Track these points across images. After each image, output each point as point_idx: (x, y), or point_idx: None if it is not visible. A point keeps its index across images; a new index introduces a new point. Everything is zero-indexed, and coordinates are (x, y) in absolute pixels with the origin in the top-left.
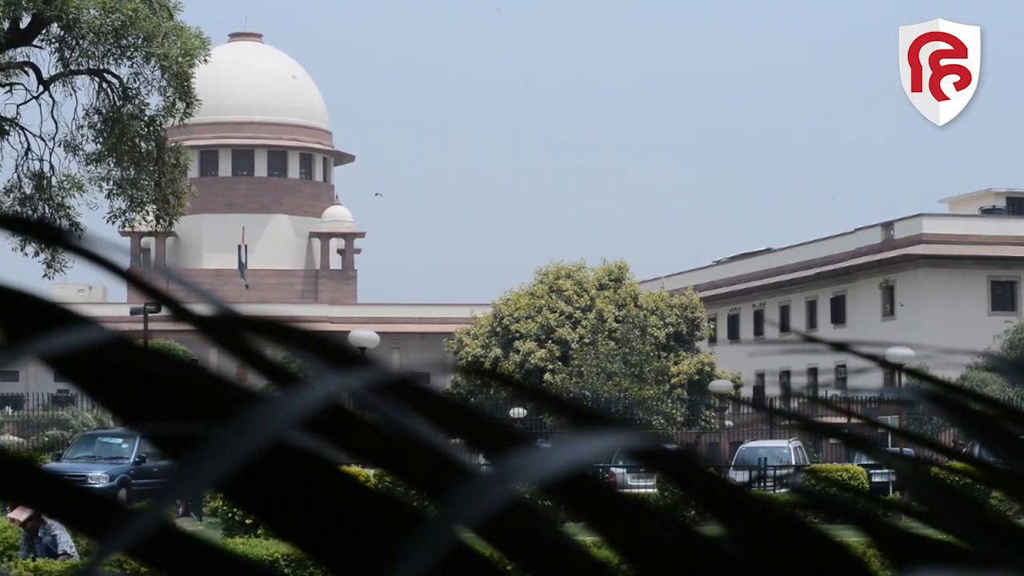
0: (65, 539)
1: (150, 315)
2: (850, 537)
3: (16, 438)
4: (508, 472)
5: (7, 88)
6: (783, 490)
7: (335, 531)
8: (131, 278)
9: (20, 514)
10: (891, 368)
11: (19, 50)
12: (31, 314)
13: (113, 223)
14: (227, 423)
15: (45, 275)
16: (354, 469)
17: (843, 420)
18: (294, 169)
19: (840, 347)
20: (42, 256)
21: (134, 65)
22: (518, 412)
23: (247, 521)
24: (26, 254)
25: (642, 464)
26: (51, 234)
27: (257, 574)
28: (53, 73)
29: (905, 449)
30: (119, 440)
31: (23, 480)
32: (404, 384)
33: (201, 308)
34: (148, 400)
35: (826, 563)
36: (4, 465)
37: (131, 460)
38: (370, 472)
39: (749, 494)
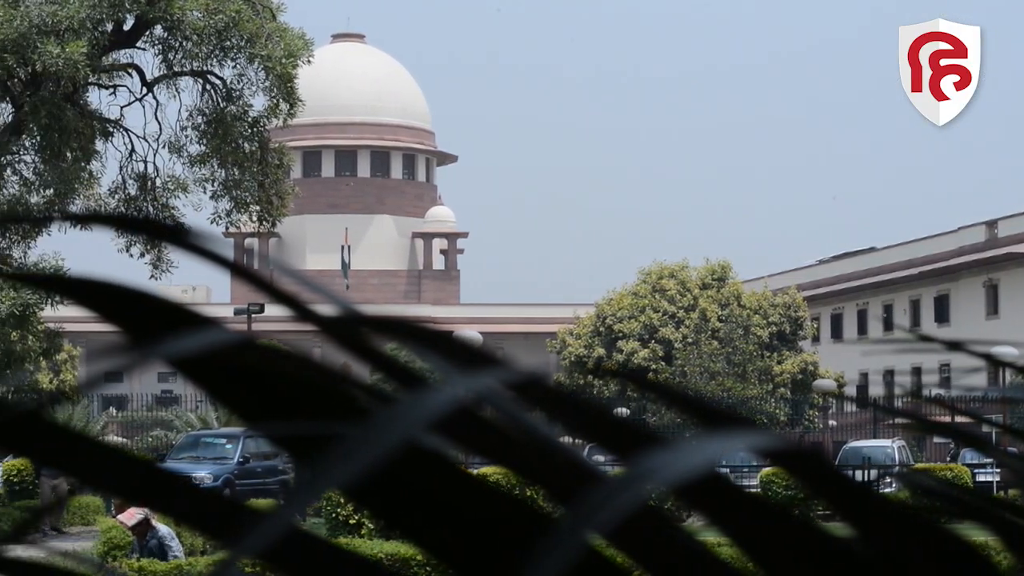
0: (175, 544)
1: (253, 316)
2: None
3: (120, 439)
4: (640, 474)
5: (111, 90)
6: (889, 488)
7: (463, 534)
8: (253, 278)
9: (129, 518)
10: (997, 367)
11: (123, 52)
12: (154, 316)
13: (217, 224)
14: (356, 425)
15: (152, 276)
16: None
17: (947, 419)
18: (397, 170)
19: (954, 346)
20: (148, 257)
21: (237, 66)
22: (620, 412)
23: (351, 521)
24: (131, 255)
25: (772, 463)
26: (169, 233)
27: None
28: (156, 75)
29: (1009, 448)
30: (223, 440)
31: (147, 481)
32: (535, 383)
33: (323, 308)
34: (273, 401)
35: (956, 563)
36: (127, 466)
37: (235, 460)
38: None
39: (878, 494)
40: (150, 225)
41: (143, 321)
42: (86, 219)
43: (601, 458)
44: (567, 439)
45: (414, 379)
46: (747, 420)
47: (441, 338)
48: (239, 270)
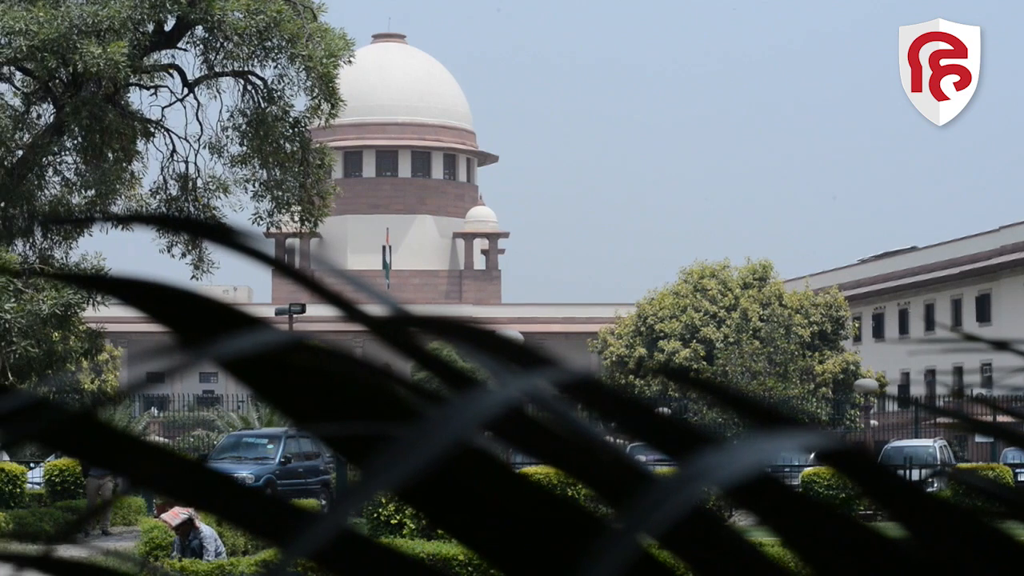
0: (212, 546)
1: (295, 316)
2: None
3: (161, 439)
4: (693, 475)
5: (152, 91)
6: (932, 488)
7: (515, 535)
8: (298, 275)
9: (173, 518)
10: None
11: (164, 52)
12: (203, 316)
13: (258, 224)
14: (407, 425)
15: (192, 276)
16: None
17: (989, 419)
18: (438, 170)
19: (1000, 345)
20: (189, 257)
21: (278, 67)
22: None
23: (392, 521)
24: (172, 256)
25: (824, 463)
26: (212, 232)
27: None
28: (198, 75)
29: None
30: (264, 440)
31: (197, 481)
32: (586, 383)
33: (370, 307)
34: (324, 402)
35: (1012, 564)
36: (177, 466)
37: (276, 460)
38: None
39: (932, 494)
40: (192, 224)
41: (192, 321)
42: (128, 219)
43: (643, 457)
44: (612, 438)
45: (463, 379)
46: (798, 419)
47: (491, 338)
48: (282, 266)
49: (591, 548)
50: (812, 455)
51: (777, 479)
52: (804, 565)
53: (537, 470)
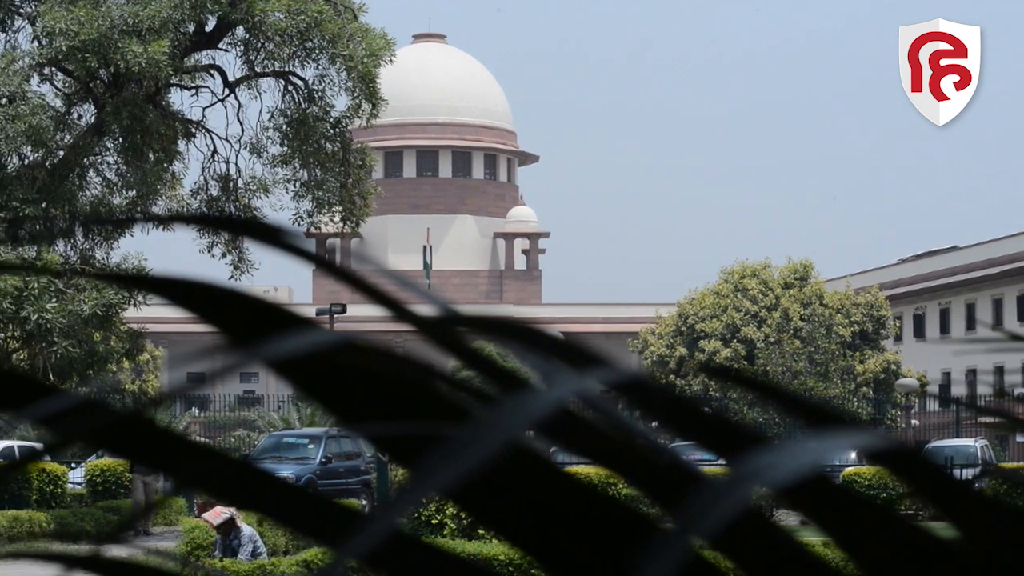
0: (249, 547)
1: (336, 316)
2: None
3: (202, 439)
4: (746, 475)
5: (193, 91)
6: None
7: (564, 536)
8: (342, 273)
9: (214, 518)
10: None
11: (205, 53)
12: (252, 316)
13: (299, 225)
14: (459, 426)
15: (232, 276)
16: None
17: None
18: (478, 170)
19: None
20: (229, 258)
21: (319, 67)
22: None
23: (433, 521)
24: (212, 256)
25: (875, 463)
26: (255, 230)
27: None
28: (238, 76)
29: None
30: (305, 441)
31: (247, 481)
32: (637, 382)
33: (417, 306)
34: (374, 403)
35: None
36: (227, 466)
37: (317, 461)
38: None
39: (986, 495)
40: (236, 223)
41: (240, 321)
42: (169, 219)
43: (687, 456)
44: (657, 437)
45: (510, 378)
46: (845, 417)
47: (538, 336)
48: (327, 264)
49: (642, 548)
50: (854, 455)
51: (831, 479)
52: (860, 567)
53: (578, 469)
